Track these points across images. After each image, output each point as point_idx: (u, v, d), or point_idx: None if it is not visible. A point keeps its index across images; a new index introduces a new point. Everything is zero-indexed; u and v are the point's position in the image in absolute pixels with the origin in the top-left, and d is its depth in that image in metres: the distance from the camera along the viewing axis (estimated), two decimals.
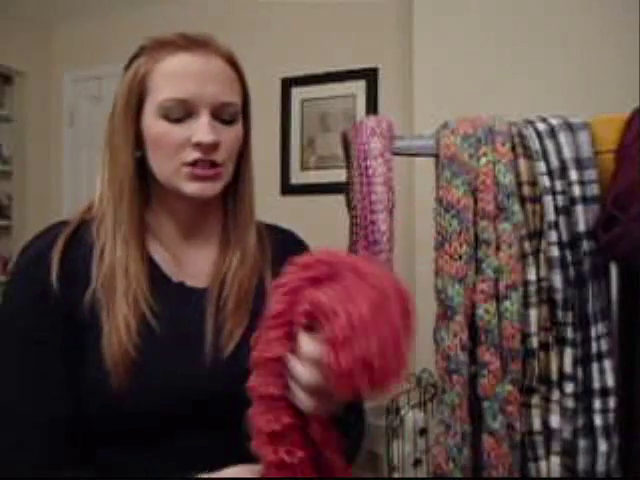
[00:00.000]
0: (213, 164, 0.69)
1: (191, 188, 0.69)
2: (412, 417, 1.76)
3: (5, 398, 0.65)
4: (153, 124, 0.69)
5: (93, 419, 0.65)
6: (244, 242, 0.76)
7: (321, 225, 2.40)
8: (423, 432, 1.75)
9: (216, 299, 0.72)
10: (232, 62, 0.73)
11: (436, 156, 0.89)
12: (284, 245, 0.80)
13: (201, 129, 0.67)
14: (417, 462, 1.73)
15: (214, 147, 0.68)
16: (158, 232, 0.74)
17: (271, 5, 2.71)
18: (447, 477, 0.82)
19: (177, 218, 0.75)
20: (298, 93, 2.66)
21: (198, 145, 0.67)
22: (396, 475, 1.72)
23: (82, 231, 0.71)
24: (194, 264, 0.75)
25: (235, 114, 0.72)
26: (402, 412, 1.74)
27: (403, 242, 2.03)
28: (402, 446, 1.71)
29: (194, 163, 0.68)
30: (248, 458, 0.55)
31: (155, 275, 0.71)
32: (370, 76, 2.56)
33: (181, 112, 0.68)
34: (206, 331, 0.70)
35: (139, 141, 0.71)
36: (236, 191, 0.77)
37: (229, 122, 0.71)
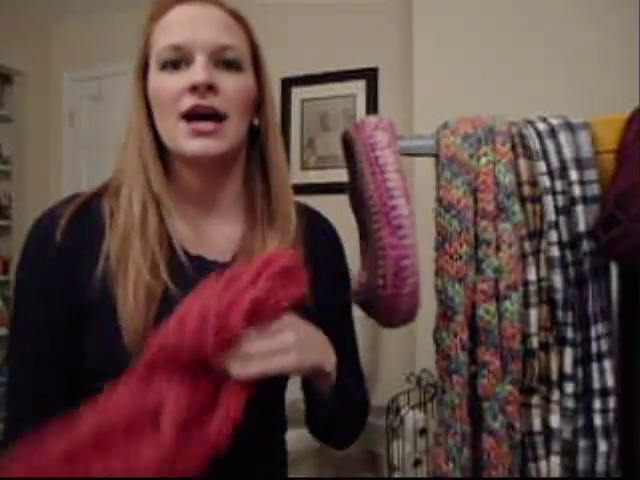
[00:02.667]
0: (214, 117, 0.64)
1: (191, 146, 0.64)
2: (412, 417, 1.76)
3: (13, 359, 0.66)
4: (154, 79, 0.66)
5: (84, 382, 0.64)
6: (285, 218, 0.71)
7: None
8: (423, 432, 1.75)
9: None
10: (234, 14, 0.69)
11: (436, 156, 0.89)
12: (319, 229, 0.77)
13: (194, 70, 0.63)
14: (417, 462, 1.73)
15: (211, 90, 0.63)
16: (176, 206, 0.69)
17: (271, 5, 2.71)
18: (447, 477, 0.82)
19: (191, 185, 0.70)
20: (298, 93, 2.67)
21: (193, 89, 0.63)
22: (396, 475, 1.72)
23: (94, 203, 0.69)
24: (216, 237, 0.71)
25: (238, 59, 0.67)
26: (402, 412, 1.74)
27: None
28: (402, 446, 1.71)
29: (192, 116, 0.63)
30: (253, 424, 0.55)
31: (172, 246, 0.67)
32: (370, 76, 2.57)
33: (176, 59, 0.65)
34: None
35: (151, 108, 0.68)
36: (261, 157, 0.72)
37: (232, 69, 0.66)
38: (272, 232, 0.70)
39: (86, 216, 0.67)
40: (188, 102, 0.63)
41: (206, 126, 0.63)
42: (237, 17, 0.69)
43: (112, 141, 3.18)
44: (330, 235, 0.80)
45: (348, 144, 0.94)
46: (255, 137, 0.72)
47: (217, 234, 0.72)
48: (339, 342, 0.68)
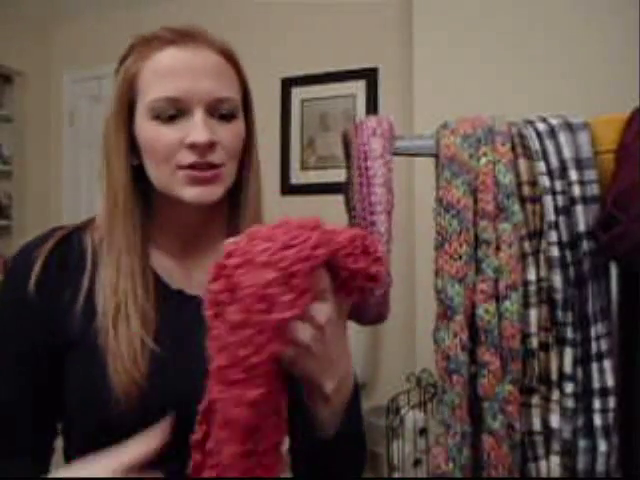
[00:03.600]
0: (211, 165, 0.64)
1: (189, 193, 0.63)
2: (412, 417, 1.76)
3: None
4: (144, 127, 0.64)
5: (81, 432, 0.63)
6: None
7: None
8: (423, 432, 1.75)
9: None
10: (226, 54, 0.67)
11: (436, 156, 0.89)
12: None
13: (195, 128, 0.62)
14: (417, 462, 1.73)
15: (210, 147, 0.63)
16: (160, 243, 0.70)
17: (271, 5, 2.71)
18: (447, 477, 0.82)
19: (178, 227, 0.70)
20: (298, 93, 2.67)
21: (193, 146, 0.62)
22: (396, 475, 1.72)
23: (75, 237, 0.68)
24: (198, 271, 0.70)
25: (233, 110, 0.66)
26: (402, 412, 1.74)
27: (403, 242, 2.03)
28: (402, 446, 1.71)
29: (191, 166, 0.63)
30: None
31: (157, 286, 0.67)
32: (370, 76, 2.57)
33: (173, 112, 0.63)
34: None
35: (135, 147, 0.66)
36: (240, 193, 0.72)
37: (227, 119, 0.66)
38: None
39: (66, 251, 0.66)
40: (187, 158, 0.63)
41: (205, 174, 0.63)
42: (229, 57, 0.68)
43: None
44: None
45: (347, 144, 0.95)
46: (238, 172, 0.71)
47: (197, 267, 0.71)
48: None
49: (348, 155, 0.95)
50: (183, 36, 0.65)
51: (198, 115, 0.63)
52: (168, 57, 0.64)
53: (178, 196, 0.64)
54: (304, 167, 2.68)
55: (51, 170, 3.32)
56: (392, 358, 2.48)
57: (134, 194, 0.67)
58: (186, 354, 0.64)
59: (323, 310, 0.49)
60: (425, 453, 1.72)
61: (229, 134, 0.66)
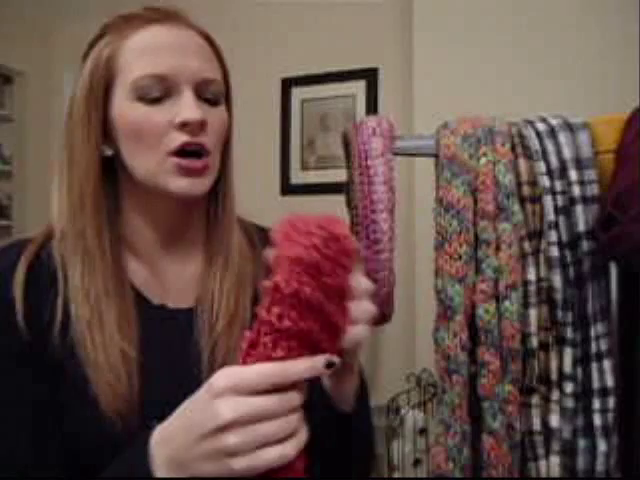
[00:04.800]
0: (200, 154, 0.59)
1: (179, 184, 0.58)
2: (412, 417, 1.76)
3: None
4: (127, 109, 0.58)
5: (80, 460, 0.56)
6: (226, 248, 0.66)
7: None
8: (423, 432, 1.75)
9: (207, 319, 0.62)
10: (209, 39, 0.64)
11: (436, 156, 0.89)
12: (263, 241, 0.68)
13: (186, 106, 0.57)
14: (417, 462, 1.73)
15: (202, 127, 0.58)
16: (133, 243, 0.63)
17: (271, 5, 2.71)
18: (447, 477, 0.82)
19: (156, 223, 0.64)
20: (298, 93, 2.66)
21: (184, 125, 0.57)
22: (396, 475, 1.72)
23: (43, 255, 0.60)
24: (177, 281, 0.65)
25: (219, 93, 0.62)
26: (402, 412, 1.74)
27: (403, 242, 2.03)
28: (402, 446, 1.71)
29: (182, 152, 0.58)
30: None
31: (134, 299, 0.60)
32: (370, 76, 2.56)
33: (160, 90, 0.58)
34: (198, 359, 0.60)
35: (106, 136, 0.60)
36: (219, 189, 0.66)
37: (213, 103, 0.61)
38: (227, 272, 0.65)
39: (38, 274, 0.59)
40: (178, 139, 0.58)
41: (198, 163, 0.59)
42: (212, 42, 0.65)
43: None
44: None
45: (348, 144, 0.95)
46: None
47: (176, 276, 0.66)
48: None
49: (348, 155, 0.95)
50: (167, 15, 0.61)
51: (187, 93, 0.58)
52: (152, 34, 0.59)
53: (164, 187, 0.59)
54: (304, 167, 2.68)
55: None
56: (392, 358, 2.48)
57: (104, 189, 0.60)
58: (176, 369, 0.60)
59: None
60: (425, 453, 1.72)
61: (216, 118, 0.61)
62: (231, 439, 0.41)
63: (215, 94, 0.62)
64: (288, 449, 0.42)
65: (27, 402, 0.56)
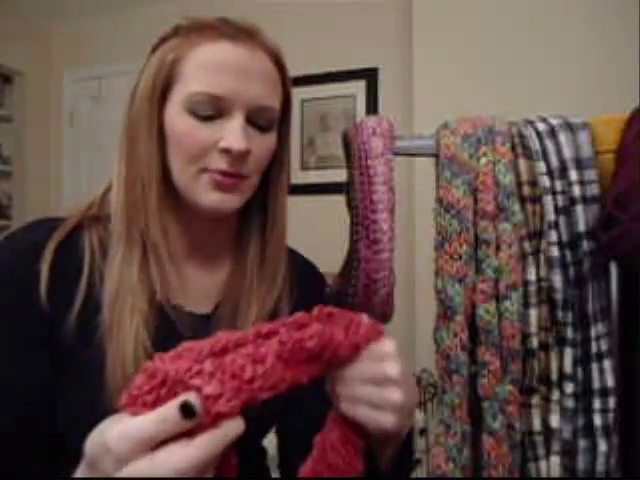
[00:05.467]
0: (239, 175, 0.60)
1: (210, 199, 0.59)
2: None
3: None
4: (177, 118, 0.59)
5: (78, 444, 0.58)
6: (275, 269, 0.66)
7: (321, 225, 2.40)
8: (423, 432, 1.75)
9: (224, 327, 0.59)
10: (278, 60, 0.64)
11: (436, 156, 0.89)
12: (305, 277, 0.73)
13: (233, 133, 0.58)
14: (417, 462, 1.73)
15: (244, 156, 0.59)
16: (159, 245, 0.63)
17: (271, 5, 2.71)
18: (447, 477, 0.82)
19: (188, 232, 0.65)
20: (298, 93, 2.67)
21: (226, 151, 0.58)
22: None
23: (76, 236, 0.61)
24: (197, 286, 0.66)
25: (272, 121, 0.62)
26: None
27: (403, 242, 2.03)
28: None
29: (219, 172, 0.59)
30: None
31: (152, 297, 0.61)
32: (370, 76, 2.57)
33: (212, 110, 0.58)
34: None
35: (161, 136, 0.61)
36: (264, 206, 0.67)
37: (264, 129, 0.62)
38: (261, 283, 0.66)
39: (64, 257, 0.59)
40: (217, 163, 0.59)
41: (229, 181, 0.59)
42: (280, 64, 0.64)
43: (112, 141, 3.17)
44: (316, 284, 0.78)
45: (348, 144, 0.94)
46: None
47: (198, 281, 0.66)
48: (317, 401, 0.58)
49: (348, 155, 0.95)
50: (240, 32, 0.61)
51: (238, 119, 0.58)
52: (220, 50, 0.59)
53: (197, 200, 0.60)
54: (304, 167, 2.68)
55: (51, 170, 3.32)
56: None
57: (164, 187, 0.61)
58: None
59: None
60: (425, 453, 1.72)
61: (262, 146, 0.62)
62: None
63: (268, 121, 0.62)
64: None
65: (29, 370, 0.56)
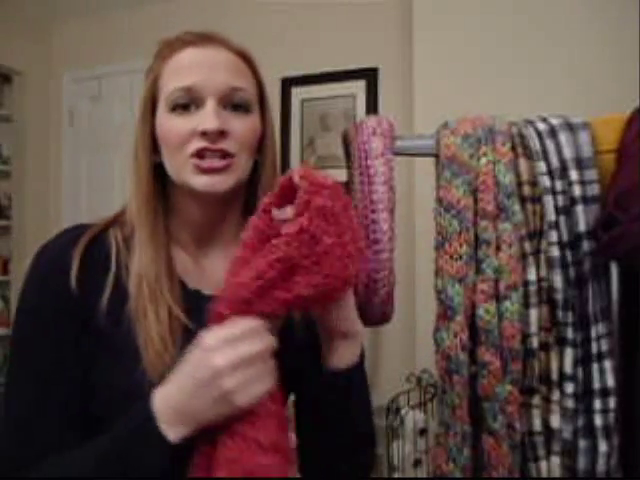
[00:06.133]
0: (223, 155, 0.66)
1: (199, 182, 0.66)
2: (412, 417, 1.76)
3: (19, 398, 0.63)
4: (163, 120, 0.68)
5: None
6: None
7: None
8: (423, 432, 1.75)
9: None
10: (242, 55, 0.71)
11: (436, 156, 0.89)
12: None
13: (206, 116, 0.65)
14: (417, 462, 1.73)
15: (221, 135, 0.65)
16: (178, 238, 0.73)
17: (271, 5, 2.71)
18: (447, 477, 0.82)
19: (194, 222, 0.72)
20: (298, 93, 2.67)
21: (203, 134, 0.65)
22: (396, 475, 1.72)
23: (104, 236, 0.69)
24: (215, 272, 0.72)
25: (247, 101, 0.69)
26: (402, 412, 1.74)
27: (403, 242, 2.03)
28: (402, 446, 1.71)
29: (201, 155, 0.65)
30: None
31: (178, 284, 0.69)
32: (370, 76, 2.57)
33: (187, 101, 0.66)
34: None
35: (156, 146, 0.70)
36: (257, 190, 0.74)
37: (241, 110, 0.68)
38: None
39: (95, 252, 0.67)
40: (197, 145, 0.65)
41: (215, 163, 0.66)
42: (245, 58, 0.71)
43: (112, 141, 3.18)
44: None
45: (348, 144, 0.94)
46: (255, 171, 0.74)
47: (217, 267, 0.72)
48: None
49: (348, 155, 0.95)
50: (202, 38, 0.69)
51: (210, 104, 0.66)
52: (186, 55, 0.68)
53: (189, 185, 0.67)
54: None
55: (51, 170, 3.32)
56: (392, 358, 2.48)
57: (157, 189, 0.70)
58: None
59: None
60: (425, 453, 1.72)
61: (242, 125, 0.68)
62: (228, 382, 0.53)
63: (242, 101, 0.69)
64: (269, 384, 0.56)
65: (60, 358, 0.64)
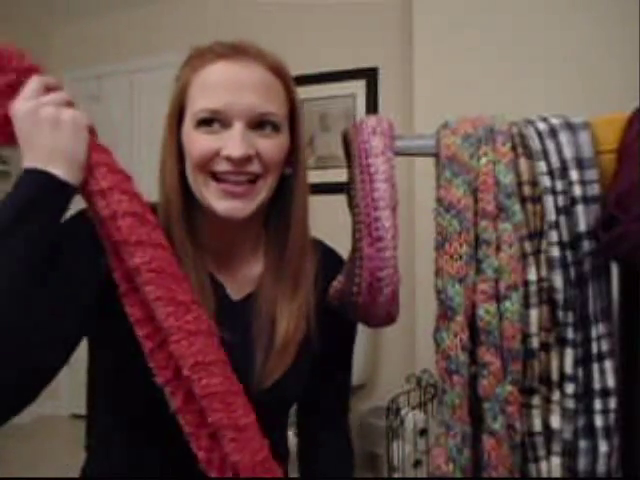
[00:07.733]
0: (249, 180, 0.66)
1: (220, 206, 0.66)
2: (412, 418, 1.76)
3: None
4: (189, 135, 0.67)
5: (128, 416, 0.68)
6: (297, 273, 0.74)
7: (321, 225, 2.40)
8: (423, 433, 1.75)
9: (258, 309, 0.73)
10: (275, 69, 0.70)
11: (436, 156, 0.89)
12: (328, 267, 0.80)
13: (232, 141, 0.64)
14: (417, 463, 1.73)
15: (246, 161, 0.65)
16: (204, 249, 0.73)
17: (271, 5, 2.71)
18: (447, 478, 0.82)
19: (213, 239, 0.73)
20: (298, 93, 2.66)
21: (228, 159, 0.65)
22: (396, 475, 1.72)
23: None
24: (230, 289, 0.75)
25: (276, 124, 0.68)
26: (402, 412, 1.74)
27: (403, 242, 2.03)
28: (402, 447, 1.71)
29: (224, 179, 0.65)
30: None
31: (215, 290, 0.71)
32: (370, 76, 2.57)
33: (214, 122, 0.66)
34: (244, 341, 0.71)
35: (181, 153, 0.70)
36: (284, 209, 0.74)
37: (268, 132, 0.68)
38: (284, 278, 0.74)
39: None
40: (221, 167, 0.65)
41: (237, 189, 0.65)
42: (278, 73, 0.70)
43: (112, 141, 3.17)
44: (339, 271, 0.83)
45: (348, 144, 0.94)
46: (280, 184, 0.73)
47: (229, 283, 0.74)
48: (334, 390, 0.78)
49: (349, 155, 0.95)
50: (234, 50, 0.68)
51: (237, 128, 0.65)
52: (216, 70, 0.67)
53: (210, 206, 0.67)
54: None
55: None
56: (392, 358, 2.48)
57: (184, 197, 0.70)
58: (231, 345, 0.68)
59: None
60: (425, 454, 1.72)
61: (268, 146, 0.67)
62: (44, 110, 0.61)
63: (271, 125, 0.68)
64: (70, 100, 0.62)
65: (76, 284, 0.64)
